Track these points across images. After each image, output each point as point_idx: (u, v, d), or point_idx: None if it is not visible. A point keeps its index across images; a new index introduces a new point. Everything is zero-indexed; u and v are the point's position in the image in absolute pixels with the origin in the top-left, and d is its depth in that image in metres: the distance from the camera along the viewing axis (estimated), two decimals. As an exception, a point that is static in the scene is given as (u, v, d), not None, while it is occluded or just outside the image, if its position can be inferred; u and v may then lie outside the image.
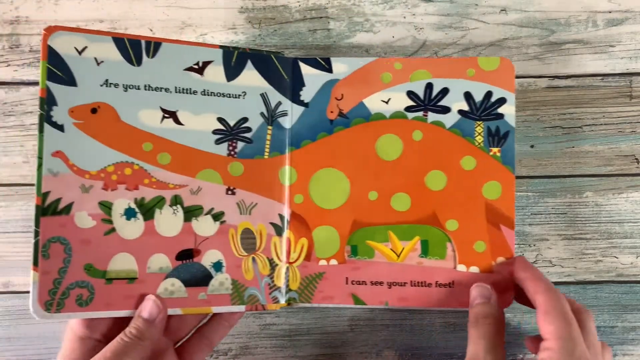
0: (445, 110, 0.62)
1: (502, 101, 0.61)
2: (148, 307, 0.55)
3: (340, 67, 0.63)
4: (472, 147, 0.61)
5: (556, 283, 0.66)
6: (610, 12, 0.67)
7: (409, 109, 0.62)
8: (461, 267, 0.61)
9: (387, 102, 0.63)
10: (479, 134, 0.62)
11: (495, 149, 0.61)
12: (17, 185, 0.66)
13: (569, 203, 0.67)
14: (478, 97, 0.61)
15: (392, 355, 0.67)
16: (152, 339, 0.54)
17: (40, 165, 0.53)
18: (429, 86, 0.62)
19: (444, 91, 0.62)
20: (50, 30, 0.54)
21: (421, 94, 0.62)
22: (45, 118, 0.54)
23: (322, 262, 0.62)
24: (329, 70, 0.63)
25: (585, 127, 0.67)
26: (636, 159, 0.67)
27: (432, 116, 0.62)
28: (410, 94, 0.62)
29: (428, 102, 0.62)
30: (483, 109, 0.61)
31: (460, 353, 0.67)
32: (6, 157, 0.66)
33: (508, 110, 0.61)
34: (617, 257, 0.67)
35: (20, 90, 0.66)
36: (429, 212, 0.62)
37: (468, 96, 0.62)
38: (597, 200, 0.67)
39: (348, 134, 0.63)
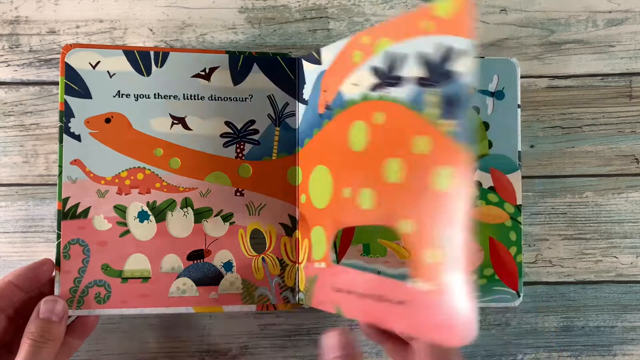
0: (401, 81, 0.52)
1: (458, 54, 0.47)
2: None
3: (327, 55, 0.63)
4: (423, 123, 0.49)
5: (556, 283, 0.72)
6: (610, 12, 0.73)
7: (373, 87, 0.55)
8: (412, 282, 0.50)
9: (357, 85, 0.57)
10: (433, 104, 0.49)
11: (449, 122, 0.47)
12: (16, 185, 0.71)
13: (569, 203, 0.72)
14: (435, 56, 0.49)
15: (391, 355, 0.71)
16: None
17: (60, 173, 0.62)
18: (387, 55, 0.54)
19: (402, 57, 0.52)
20: (67, 49, 0.63)
21: (384, 67, 0.54)
22: (64, 129, 0.63)
23: (317, 264, 0.63)
24: (319, 62, 0.64)
25: (585, 127, 0.72)
26: (636, 159, 0.73)
27: (392, 92, 0.53)
28: (374, 70, 0.55)
29: (387, 75, 0.54)
30: (437, 71, 0.49)
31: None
32: (6, 157, 0.71)
33: (464, 67, 0.46)
34: (616, 257, 0.72)
35: (20, 90, 0.71)
36: (390, 211, 0.52)
37: (422, 58, 0.50)
38: (597, 200, 0.72)
39: (331, 127, 0.61)
